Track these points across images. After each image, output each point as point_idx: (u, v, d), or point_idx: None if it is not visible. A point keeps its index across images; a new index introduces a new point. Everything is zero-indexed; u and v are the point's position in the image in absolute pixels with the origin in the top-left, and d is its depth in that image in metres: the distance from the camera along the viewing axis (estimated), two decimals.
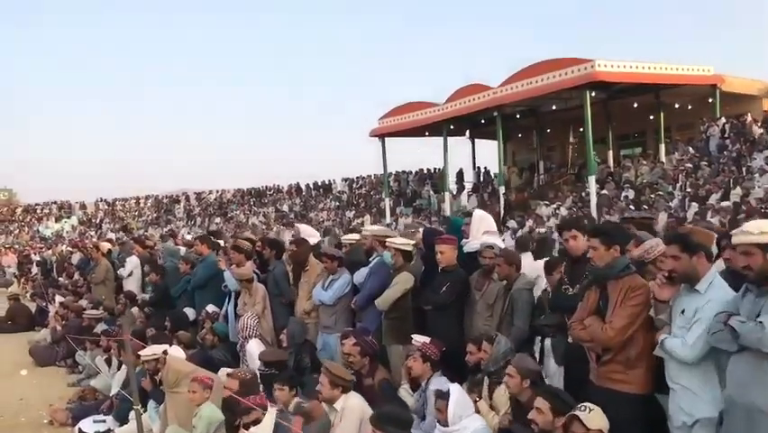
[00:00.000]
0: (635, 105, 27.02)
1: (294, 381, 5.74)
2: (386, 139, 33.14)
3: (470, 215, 6.41)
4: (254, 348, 7.11)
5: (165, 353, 6.66)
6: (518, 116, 29.94)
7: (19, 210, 53.23)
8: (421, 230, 6.71)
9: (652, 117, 27.80)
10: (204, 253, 9.19)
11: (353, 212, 36.13)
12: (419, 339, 5.48)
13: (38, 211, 51.72)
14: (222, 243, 10.06)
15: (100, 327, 9.88)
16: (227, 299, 8.44)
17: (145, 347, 7.19)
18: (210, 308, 8.49)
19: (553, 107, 28.16)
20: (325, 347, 7.14)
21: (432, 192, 33.56)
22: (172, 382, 6.07)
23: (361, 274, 6.91)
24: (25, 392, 9.00)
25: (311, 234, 8.66)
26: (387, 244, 6.21)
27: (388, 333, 6.17)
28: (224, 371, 7.07)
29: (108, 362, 8.71)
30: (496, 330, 5.59)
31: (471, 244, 6.13)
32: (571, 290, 4.61)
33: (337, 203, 38.83)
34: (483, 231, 6.19)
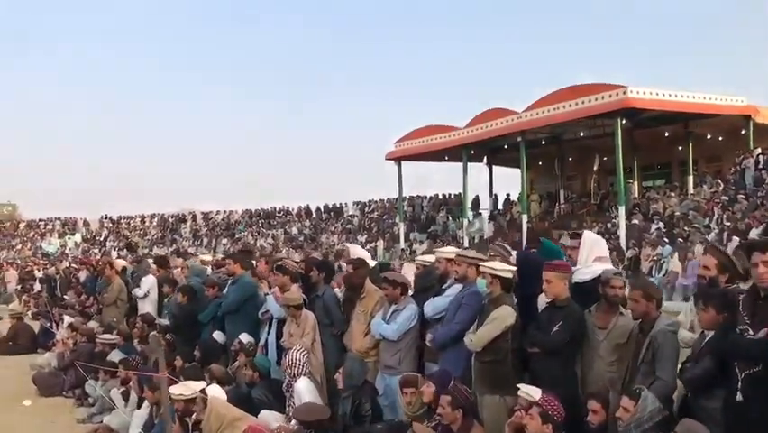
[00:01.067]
0: (666, 134, 26.10)
1: None
2: (402, 162, 32.33)
3: (578, 236, 5.35)
4: (304, 389, 6.02)
5: (203, 392, 5.58)
6: (543, 143, 29.05)
7: (22, 225, 52.22)
8: (514, 253, 5.67)
9: (680, 148, 26.92)
10: (236, 274, 8.14)
11: (365, 236, 35.15)
12: (530, 391, 4.39)
13: (41, 227, 50.72)
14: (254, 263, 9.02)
15: (115, 355, 8.79)
16: (266, 328, 7.38)
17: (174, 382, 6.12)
18: (245, 337, 7.43)
19: (581, 134, 27.24)
20: (387, 391, 6.06)
21: (450, 217, 32.61)
22: (214, 430, 4.99)
23: (435, 305, 5.85)
24: (28, 428, 7.87)
25: (364, 257, 7.60)
26: (481, 269, 5.15)
27: (481, 380, 5.06)
28: (266, 414, 6.02)
29: (125, 396, 7.60)
30: (623, 379, 4.55)
31: (583, 272, 5.09)
32: (751, 332, 3.56)
33: (348, 227, 37.80)
34: (595, 257, 5.16)
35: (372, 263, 7.38)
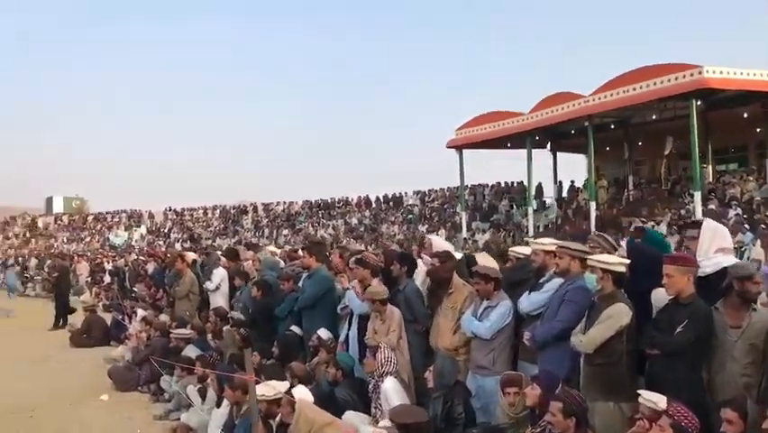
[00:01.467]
0: (745, 115, 24.75)
1: None
2: (463, 150, 31.68)
3: (697, 225, 4.84)
4: (391, 388, 5.69)
5: (289, 393, 5.31)
6: (612, 127, 28.06)
7: (90, 218, 53.72)
8: (624, 243, 5.18)
9: (758, 129, 25.55)
10: (312, 267, 7.87)
11: (426, 226, 34.73)
12: (654, 398, 3.93)
13: (108, 219, 52.04)
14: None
15: (190, 350, 8.64)
16: (346, 324, 7.08)
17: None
18: (323, 333, 7.15)
19: (653, 117, 26.18)
20: (480, 393, 5.68)
21: (514, 206, 31.89)
22: None
23: (533, 300, 5.44)
24: (106, 424, 7.76)
25: (448, 249, 7.20)
26: (590, 263, 4.69)
27: (592, 384, 4.60)
28: (351, 416, 5.72)
29: (202, 393, 7.42)
30: (759, 385, 4.04)
31: (704, 265, 4.57)
32: None
33: (410, 217, 37.42)
34: (716, 248, 4.63)
35: (458, 255, 6.98)
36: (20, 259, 37.36)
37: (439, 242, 7.71)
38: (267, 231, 42.42)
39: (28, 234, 52.45)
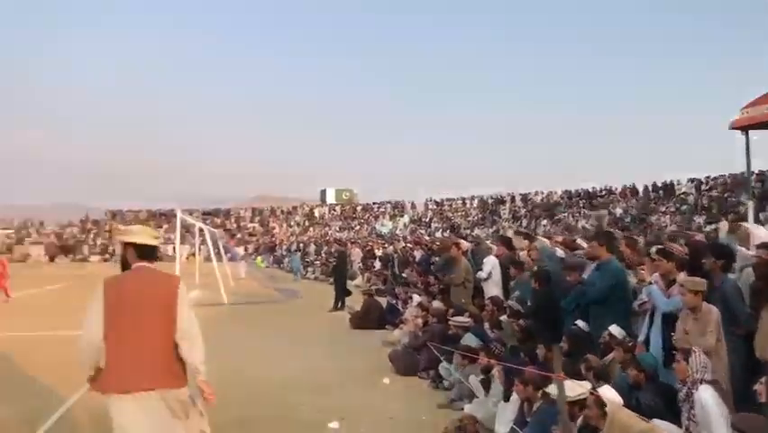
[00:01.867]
0: None
1: None
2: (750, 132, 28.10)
3: None
4: (709, 397, 4.93)
5: (593, 393, 4.84)
6: None
7: (359, 209, 57.83)
8: None
9: None
10: (601, 258, 7.29)
11: (704, 217, 31.50)
12: None
13: (374, 210, 55.52)
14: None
15: (469, 339, 8.53)
16: (646, 321, 6.40)
17: (546, 377, 5.49)
18: (616, 330, 6.52)
19: None
20: None
21: None
22: None
23: None
24: (391, 409, 7.85)
25: None
26: None
27: None
28: (662, 425, 5.06)
29: (485, 384, 7.21)
30: None
31: None
32: None
33: (684, 207, 34.30)
34: None
35: None
36: (300, 245, 41.27)
37: (761, 232, 6.65)
38: (525, 221, 41.86)
39: (307, 223, 57.94)
